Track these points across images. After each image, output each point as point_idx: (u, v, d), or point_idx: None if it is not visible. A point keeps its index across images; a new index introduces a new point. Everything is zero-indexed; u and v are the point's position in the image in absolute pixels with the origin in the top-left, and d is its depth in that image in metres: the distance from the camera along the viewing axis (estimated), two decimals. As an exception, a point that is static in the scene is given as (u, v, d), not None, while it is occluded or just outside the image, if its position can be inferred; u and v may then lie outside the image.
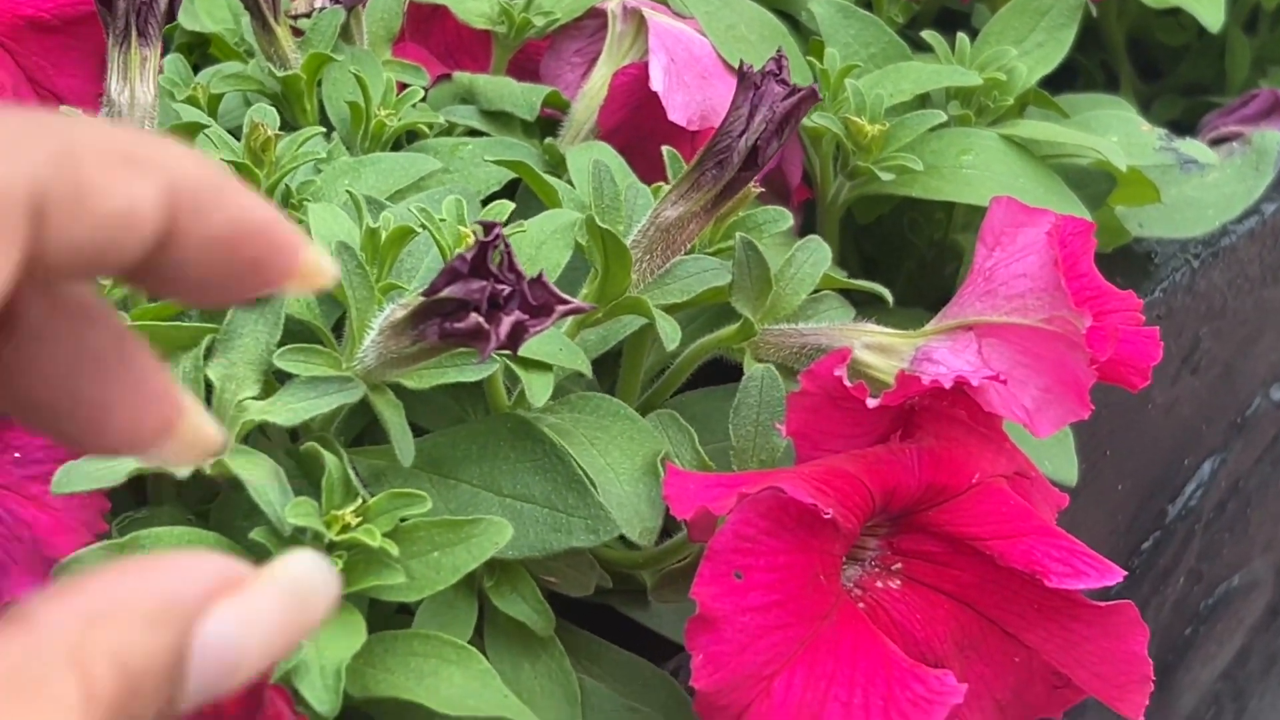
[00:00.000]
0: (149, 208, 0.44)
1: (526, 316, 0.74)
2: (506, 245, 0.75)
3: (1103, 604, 0.83)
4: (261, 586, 0.47)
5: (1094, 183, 1.20)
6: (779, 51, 0.89)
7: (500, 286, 0.74)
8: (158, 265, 0.45)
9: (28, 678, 0.41)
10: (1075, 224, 0.90)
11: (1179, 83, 1.60)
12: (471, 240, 0.83)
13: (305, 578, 0.47)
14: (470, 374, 0.84)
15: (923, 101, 1.17)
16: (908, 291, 1.22)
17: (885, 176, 1.10)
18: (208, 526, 0.82)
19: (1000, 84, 1.18)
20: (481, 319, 0.73)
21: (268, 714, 0.67)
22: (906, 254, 1.28)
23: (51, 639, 0.42)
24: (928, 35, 1.20)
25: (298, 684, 0.74)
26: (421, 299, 0.77)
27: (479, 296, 0.73)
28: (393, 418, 0.82)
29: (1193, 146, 1.23)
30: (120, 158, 0.43)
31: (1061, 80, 1.29)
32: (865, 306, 1.03)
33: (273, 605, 0.47)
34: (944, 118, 1.13)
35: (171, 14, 0.90)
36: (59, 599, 0.42)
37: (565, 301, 0.76)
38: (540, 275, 0.75)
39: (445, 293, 0.74)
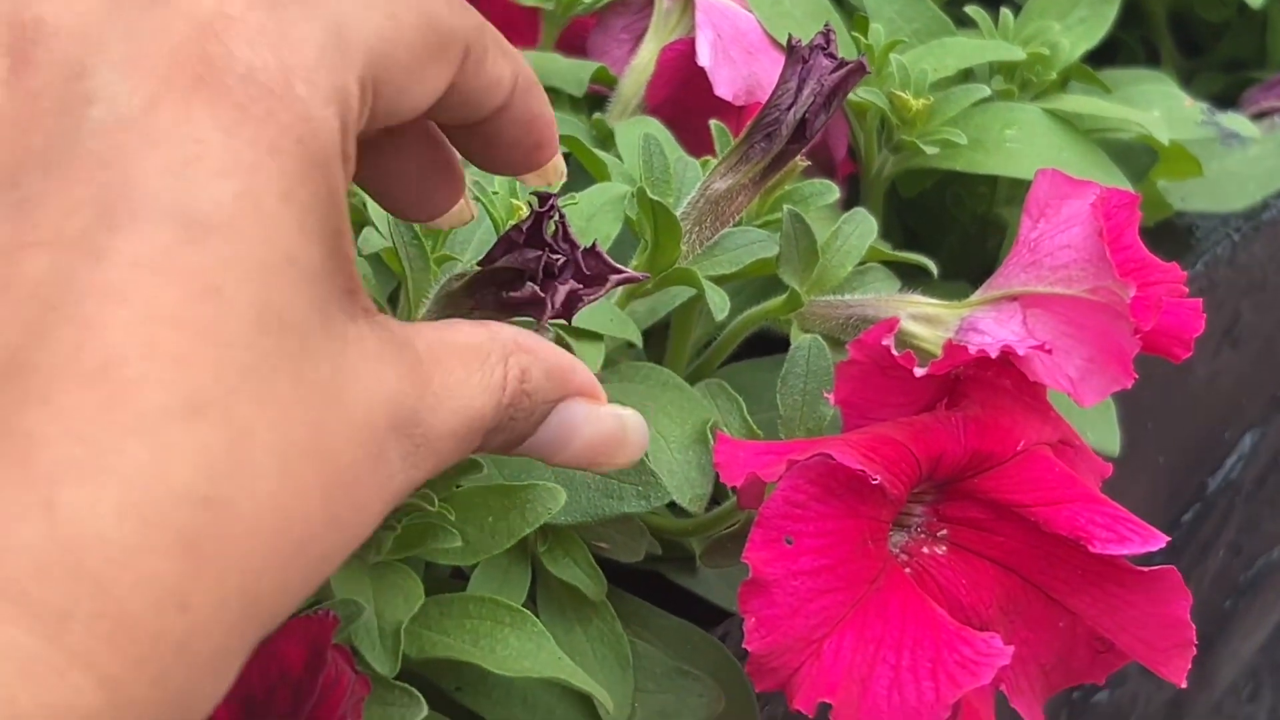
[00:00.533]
0: (508, 83, 0.64)
1: (581, 285, 0.76)
2: (561, 216, 0.76)
3: (1146, 569, 0.84)
4: (607, 408, 0.70)
5: (1136, 157, 1.21)
6: (827, 25, 0.89)
7: (555, 256, 0.75)
8: (486, 129, 0.66)
9: (481, 352, 0.61)
10: (1120, 196, 0.91)
11: (1220, 59, 1.60)
12: (525, 212, 0.85)
13: (632, 424, 0.71)
14: None
15: (966, 76, 1.18)
16: (951, 265, 1.23)
17: (929, 150, 1.11)
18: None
19: (1043, 59, 1.19)
20: (537, 287, 0.75)
21: (330, 673, 0.68)
22: (950, 228, 1.29)
23: (501, 341, 0.63)
24: (971, 10, 1.21)
25: (358, 644, 0.76)
26: (478, 269, 0.78)
27: (534, 265, 0.75)
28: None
29: (1235, 120, 1.24)
30: (500, 46, 0.64)
31: (1103, 56, 1.30)
32: (910, 279, 1.04)
33: (607, 426, 0.70)
34: (987, 92, 1.14)
35: None
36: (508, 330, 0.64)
37: (619, 271, 0.77)
38: (594, 245, 0.77)
39: (502, 262, 0.76)
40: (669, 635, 0.95)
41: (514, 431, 0.65)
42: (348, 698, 0.68)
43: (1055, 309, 0.89)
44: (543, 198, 0.76)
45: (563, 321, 0.79)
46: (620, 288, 0.89)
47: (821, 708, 0.77)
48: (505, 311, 0.78)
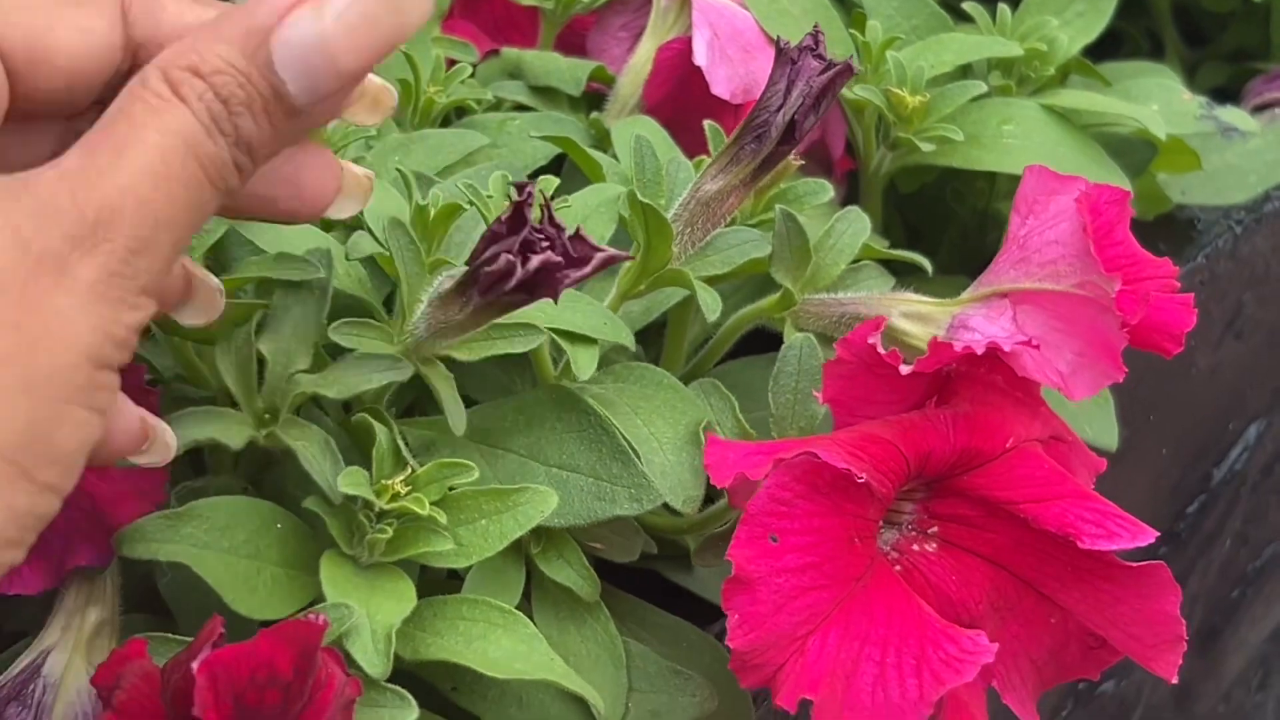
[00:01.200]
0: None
1: (561, 260, 0.77)
2: (545, 201, 0.77)
3: (1135, 565, 0.85)
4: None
5: (1136, 151, 1.21)
6: (815, 27, 0.90)
7: (536, 235, 0.76)
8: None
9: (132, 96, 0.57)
10: (1109, 192, 0.91)
11: (1224, 49, 1.60)
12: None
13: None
14: (519, 345, 0.86)
15: (964, 72, 1.18)
16: (951, 259, 1.24)
17: (926, 147, 1.11)
18: (263, 495, 0.85)
19: (1041, 54, 1.19)
20: (510, 255, 0.76)
21: (320, 676, 0.69)
22: (949, 222, 1.30)
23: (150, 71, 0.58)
24: (969, 6, 1.21)
25: (349, 647, 0.76)
26: (467, 268, 0.79)
27: (513, 245, 0.76)
28: (445, 389, 0.85)
29: (1234, 114, 1.24)
30: None
31: (1106, 47, 1.30)
32: (907, 275, 1.04)
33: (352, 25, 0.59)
34: (985, 88, 1.14)
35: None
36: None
37: (603, 250, 0.78)
38: (579, 229, 0.78)
39: (486, 254, 0.77)
40: (664, 633, 0.95)
41: (249, 128, 0.60)
42: (337, 700, 0.69)
43: (1044, 304, 0.90)
44: (520, 187, 0.77)
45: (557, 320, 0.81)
46: (619, 291, 0.91)
47: (806, 705, 0.78)
48: (494, 303, 0.79)
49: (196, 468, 0.93)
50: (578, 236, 0.78)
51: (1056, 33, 1.20)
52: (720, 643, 0.94)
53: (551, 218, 0.77)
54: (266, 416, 0.83)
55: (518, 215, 0.77)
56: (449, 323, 0.82)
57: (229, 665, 0.64)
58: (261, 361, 0.84)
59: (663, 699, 0.90)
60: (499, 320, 0.84)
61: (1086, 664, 0.89)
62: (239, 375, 0.84)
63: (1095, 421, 1.09)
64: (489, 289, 0.78)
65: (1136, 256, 0.92)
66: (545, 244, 0.77)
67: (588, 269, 0.78)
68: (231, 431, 0.81)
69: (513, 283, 0.77)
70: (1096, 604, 0.86)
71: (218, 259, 0.92)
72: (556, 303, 0.80)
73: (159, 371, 0.91)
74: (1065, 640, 0.88)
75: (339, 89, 0.60)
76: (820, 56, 0.89)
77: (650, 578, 1.00)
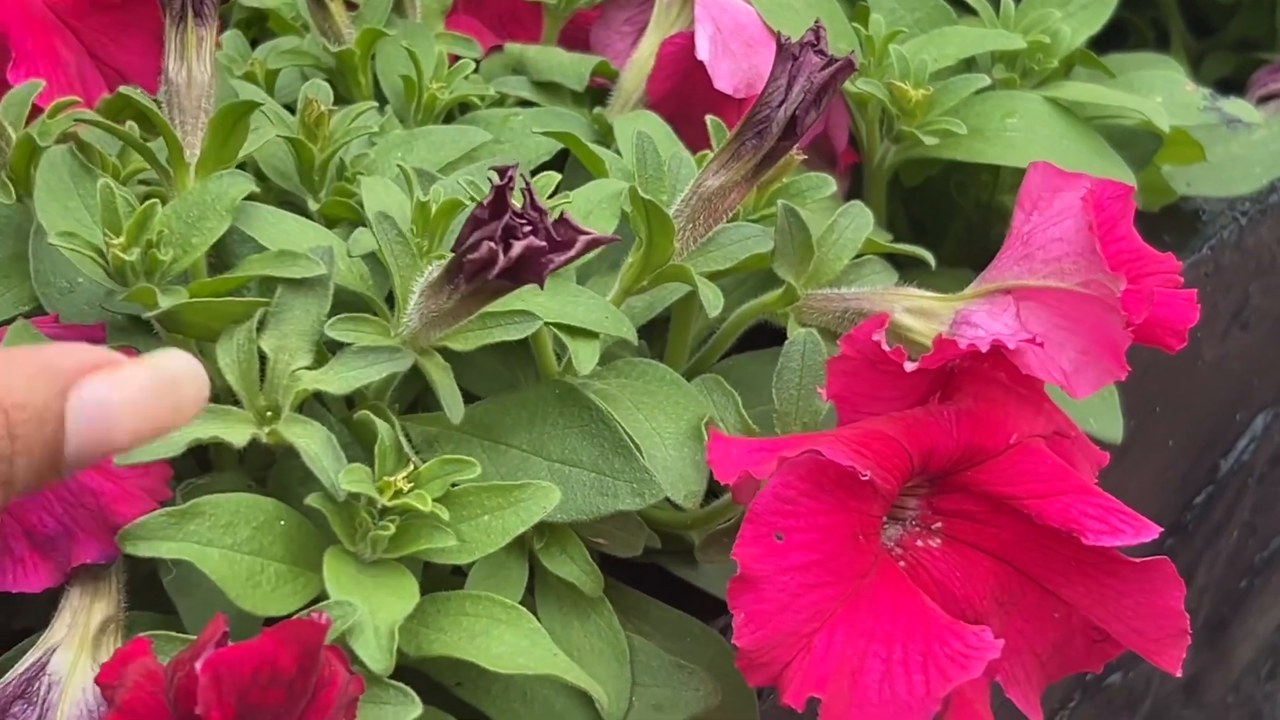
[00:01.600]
0: None
1: (544, 244, 0.77)
2: (528, 185, 0.77)
3: (1139, 560, 0.85)
4: (134, 367, 0.59)
5: (1140, 143, 1.21)
6: (816, 22, 0.90)
7: (519, 220, 0.76)
8: None
9: None
10: (1113, 188, 0.91)
11: (1230, 39, 1.60)
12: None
13: (174, 366, 0.61)
14: (514, 332, 0.86)
15: (968, 65, 1.18)
16: (955, 252, 1.24)
17: (930, 140, 1.11)
18: (266, 492, 0.85)
19: (1044, 47, 1.19)
20: (492, 243, 0.76)
21: (324, 674, 0.69)
22: (954, 216, 1.30)
23: None
24: (972, 0, 1.21)
25: (353, 644, 0.76)
26: (453, 254, 0.80)
27: (495, 230, 0.76)
28: (441, 378, 0.85)
29: (1237, 106, 1.24)
30: None
31: (1112, 38, 1.30)
32: (911, 269, 1.04)
33: (144, 382, 0.59)
34: (988, 81, 1.14)
35: (224, -6, 0.93)
36: None
37: (587, 233, 0.78)
38: (563, 214, 0.78)
39: (470, 240, 0.77)
40: (668, 628, 0.95)
41: (21, 468, 0.58)
42: (341, 698, 0.69)
43: (1048, 302, 0.90)
44: (501, 170, 0.77)
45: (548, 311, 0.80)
46: (622, 286, 0.91)
47: (813, 703, 0.78)
48: (480, 289, 0.79)
49: (201, 465, 0.93)
50: (562, 220, 0.78)
51: (1060, 25, 1.20)
52: (724, 637, 0.94)
53: (534, 202, 0.77)
54: (269, 414, 0.83)
55: (499, 200, 0.77)
56: (440, 311, 0.82)
57: (232, 664, 0.64)
58: (263, 359, 0.84)
59: (666, 693, 0.91)
60: (491, 308, 0.84)
61: (1090, 658, 0.89)
62: (241, 373, 0.84)
63: (1100, 414, 1.09)
64: (473, 276, 0.78)
65: (1140, 252, 0.92)
66: (528, 229, 0.77)
67: (572, 252, 0.78)
68: (234, 429, 0.81)
69: (496, 269, 0.77)
70: (1100, 598, 0.86)
71: (219, 256, 0.92)
72: (542, 287, 0.80)
73: (163, 369, 0.91)
74: (1069, 634, 0.88)
75: (100, 457, 0.59)
76: (821, 52, 0.89)
77: (654, 572, 1.00)
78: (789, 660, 0.79)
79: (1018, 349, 0.87)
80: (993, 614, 0.87)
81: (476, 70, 1.12)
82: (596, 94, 1.18)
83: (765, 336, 1.06)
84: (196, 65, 0.92)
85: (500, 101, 1.14)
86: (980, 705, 0.85)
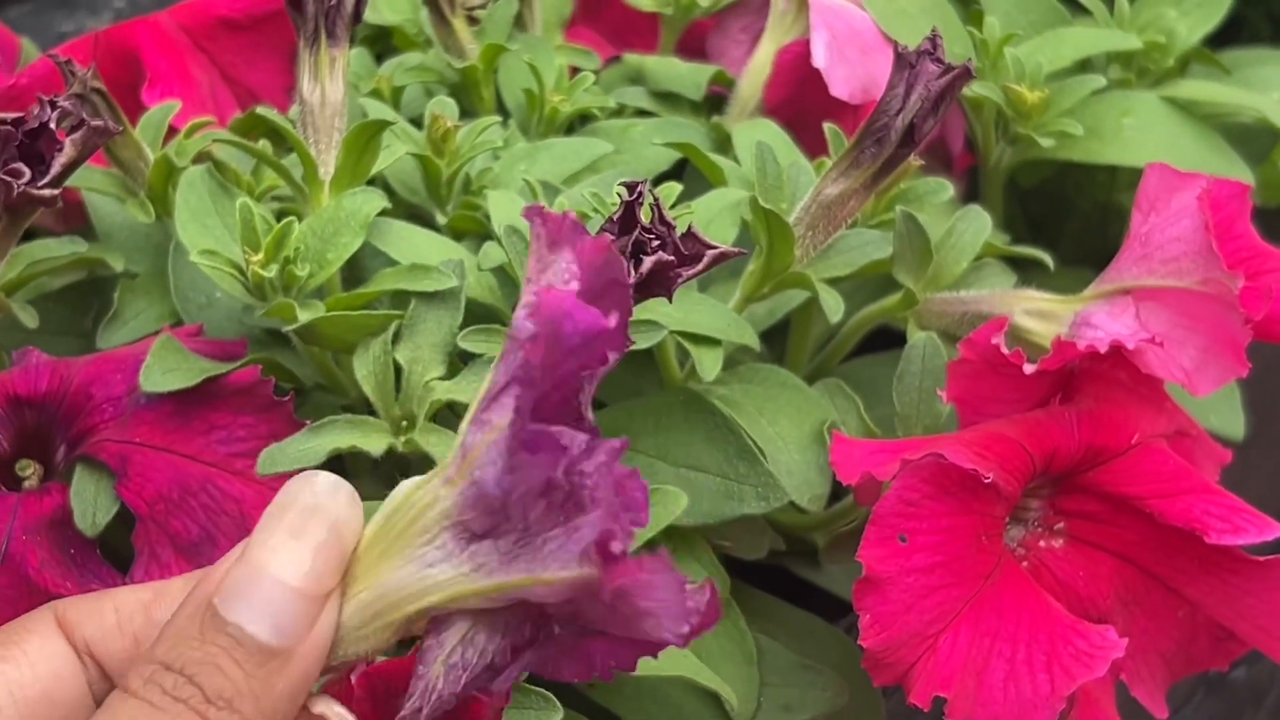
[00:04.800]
0: None
1: (672, 259, 0.78)
2: (656, 200, 0.79)
3: (1262, 559, 0.85)
4: (262, 533, 0.60)
5: (1257, 139, 1.21)
6: (933, 30, 0.91)
7: (647, 235, 0.78)
8: None
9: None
10: (1230, 186, 0.92)
11: (1350, 32, 1.58)
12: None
13: (311, 504, 0.60)
14: (641, 341, 0.87)
15: (1082, 66, 1.18)
16: (1073, 252, 1.24)
17: (1045, 142, 1.12)
18: (402, 500, 0.87)
19: (1160, 46, 1.19)
20: (622, 259, 0.78)
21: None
22: (1071, 215, 1.30)
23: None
24: (1086, 0, 1.21)
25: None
26: None
27: (625, 246, 0.78)
28: (570, 388, 0.86)
29: (1357, 100, 1.23)
30: None
31: (1227, 34, 1.29)
32: (1030, 269, 1.05)
33: (279, 545, 0.59)
34: (1103, 82, 1.14)
35: (358, 15, 0.94)
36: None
37: (715, 248, 0.79)
38: (690, 227, 0.79)
39: None
40: (793, 629, 0.97)
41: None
42: (490, 707, 0.71)
43: (1167, 301, 0.90)
44: (630, 186, 0.79)
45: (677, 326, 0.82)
46: (743, 294, 0.92)
47: (939, 701, 0.79)
48: None
49: (337, 474, 0.95)
50: (689, 234, 0.79)
51: (1175, 24, 1.20)
52: (849, 637, 0.95)
53: (662, 216, 0.79)
54: (404, 423, 0.85)
55: (629, 215, 0.79)
56: (569, 323, 0.84)
57: (385, 677, 0.66)
58: (398, 370, 0.87)
59: (794, 693, 0.92)
60: (619, 319, 0.85)
61: (1215, 656, 0.89)
62: (377, 384, 0.86)
63: (1221, 411, 1.09)
64: None
65: (1258, 249, 0.93)
66: (656, 243, 0.78)
67: (700, 266, 0.80)
68: (372, 439, 0.84)
69: (630, 285, 0.78)
70: (1225, 597, 0.87)
71: (351, 271, 0.94)
72: (671, 301, 0.81)
73: (300, 380, 0.94)
74: (1193, 633, 0.89)
75: (307, 611, 0.59)
76: (938, 60, 0.90)
77: (778, 574, 1.01)
78: (914, 660, 0.80)
79: (1138, 349, 0.88)
80: (1116, 613, 0.88)
81: (596, 82, 1.13)
82: (714, 102, 1.19)
83: (883, 340, 1.07)
84: (330, 85, 0.94)
85: (619, 112, 1.16)
86: (1106, 704, 0.85)
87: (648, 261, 0.77)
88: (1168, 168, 0.92)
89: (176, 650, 0.58)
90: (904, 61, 0.90)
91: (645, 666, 0.82)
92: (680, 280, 0.79)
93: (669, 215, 0.79)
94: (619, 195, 0.80)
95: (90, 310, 1.02)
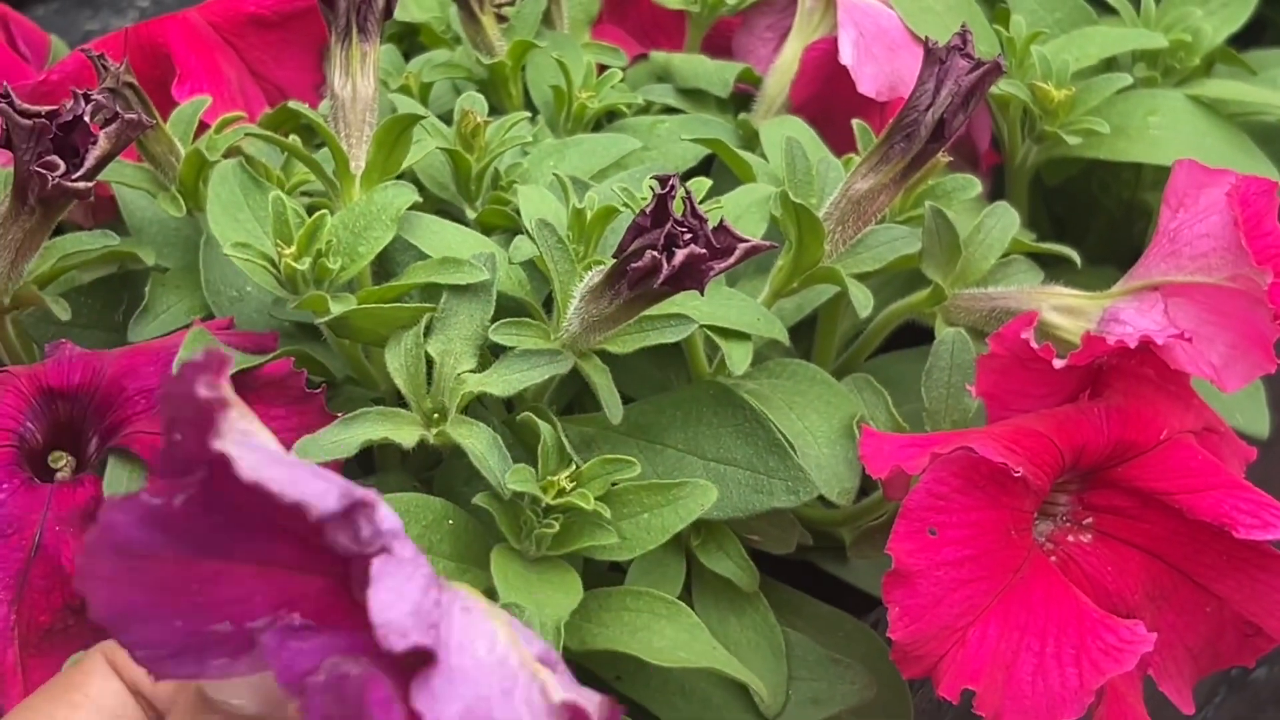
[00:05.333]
0: None
1: (705, 252, 0.79)
2: (688, 193, 0.79)
3: (1291, 555, 0.85)
4: None
5: (1283, 139, 1.21)
6: (963, 26, 0.91)
7: (680, 228, 0.78)
8: None
9: None
10: (1258, 184, 0.92)
11: (1374, 32, 1.58)
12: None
13: None
14: (670, 335, 0.88)
15: (1108, 65, 1.19)
16: (1098, 250, 1.24)
17: (1072, 140, 1.12)
18: (432, 491, 0.88)
19: (1186, 45, 1.20)
20: (656, 252, 0.78)
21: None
22: (1096, 213, 1.30)
23: None
24: (1112, -1, 1.22)
25: (522, 638, 0.79)
26: (614, 260, 0.82)
27: (658, 238, 0.78)
28: (601, 380, 0.87)
29: (1381, 100, 1.23)
30: None
31: (1252, 34, 1.29)
32: (1055, 267, 1.05)
33: None
34: (1130, 80, 1.15)
35: (389, 11, 0.95)
36: None
37: (746, 241, 0.80)
38: (722, 221, 0.80)
39: (632, 247, 0.80)
40: (821, 623, 0.97)
41: None
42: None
43: (1195, 297, 0.90)
44: (662, 180, 0.79)
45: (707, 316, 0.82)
46: (772, 289, 0.92)
47: (967, 694, 0.80)
48: (641, 296, 0.82)
49: (364, 467, 0.96)
50: (721, 228, 0.80)
51: (1201, 23, 1.20)
52: (876, 632, 0.96)
53: (694, 210, 0.79)
54: (435, 416, 0.85)
55: (661, 208, 0.79)
56: (600, 316, 0.84)
57: None
58: (429, 362, 0.87)
59: (822, 686, 0.92)
60: (649, 312, 0.86)
61: (1243, 652, 0.89)
62: (409, 376, 0.86)
63: (1246, 410, 1.09)
64: (636, 283, 0.80)
65: (1286, 246, 0.93)
66: (688, 236, 0.79)
67: (731, 259, 0.80)
68: (403, 431, 0.84)
69: (660, 278, 0.79)
70: (1252, 593, 0.87)
71: (381, 264, 0.95)
72: (703, 294, 0.82)
73: (331, 373, 0.94)
74: (1221, 628, 0.89)
75: None
76: (968, 56, 0.90)
77: (806, 569, 1.02)
78: (943, 653, 0.80)
79: (1166, 344, 0.88)
80: (1144, 608, 0.88)
81: (623, 79, 1.14)
82: (740, 100, 1.20)
83: (909, 337, 1.07)
84: (361, 80, 0.95)
85: (646, 109, 1.16)
86: (1133, 698, 0.86)
87: (680, 254, 0.78)
88: (1196, 164, 0.92)
89: None
90: (934, 57, 0.90)
91: (673, 658, 0.83)
92: (712, 273, 0.79)
93: (700, 209, 0.79)
94: (651, 189, 0.80)
95: (121, 304, 1.03)
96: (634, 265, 0.79)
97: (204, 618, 0.50)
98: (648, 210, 0.79)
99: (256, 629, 0.50)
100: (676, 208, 0.79)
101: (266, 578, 0.51)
